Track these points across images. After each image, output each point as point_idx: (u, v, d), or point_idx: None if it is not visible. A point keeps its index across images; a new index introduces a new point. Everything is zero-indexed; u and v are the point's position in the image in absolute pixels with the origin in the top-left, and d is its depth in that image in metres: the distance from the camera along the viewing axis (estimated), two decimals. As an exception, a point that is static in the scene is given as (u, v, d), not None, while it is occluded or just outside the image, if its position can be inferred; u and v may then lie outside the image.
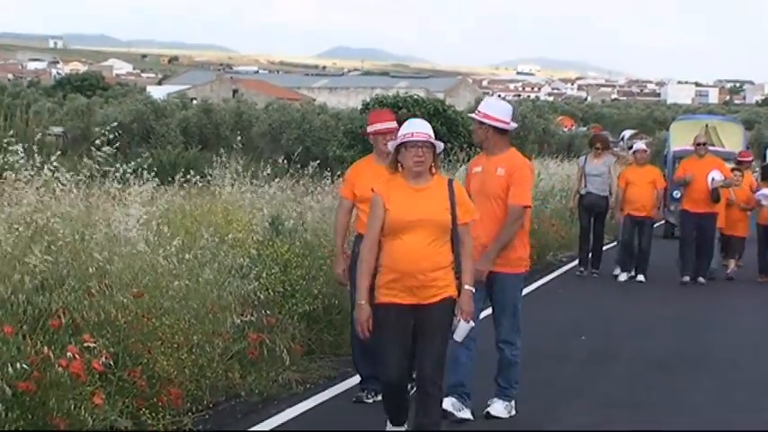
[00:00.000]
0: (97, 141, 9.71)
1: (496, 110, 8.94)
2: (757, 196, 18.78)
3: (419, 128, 7.24)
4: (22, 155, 8.69)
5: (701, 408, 9.95)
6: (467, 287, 7.24)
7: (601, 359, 12.02)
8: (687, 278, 18.21)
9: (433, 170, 7.30)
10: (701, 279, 18.36)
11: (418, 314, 7.17)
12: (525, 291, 16.72)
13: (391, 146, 7.50)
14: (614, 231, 21.40)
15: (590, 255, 19.26)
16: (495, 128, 8.83)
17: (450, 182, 7.36)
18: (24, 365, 7.01)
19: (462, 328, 7.25)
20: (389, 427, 7.57)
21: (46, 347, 7.26)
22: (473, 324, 7.39)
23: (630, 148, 21.06)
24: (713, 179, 17.68)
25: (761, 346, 13.58)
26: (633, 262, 18.86)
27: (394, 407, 7.45)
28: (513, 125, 9.12)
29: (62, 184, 8.87)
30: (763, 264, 19.27)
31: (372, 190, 7.57)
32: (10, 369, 6.90)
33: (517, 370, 9.05)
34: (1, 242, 7.98)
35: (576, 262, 19.83)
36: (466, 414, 8.73)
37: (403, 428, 7.55)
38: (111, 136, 9.52)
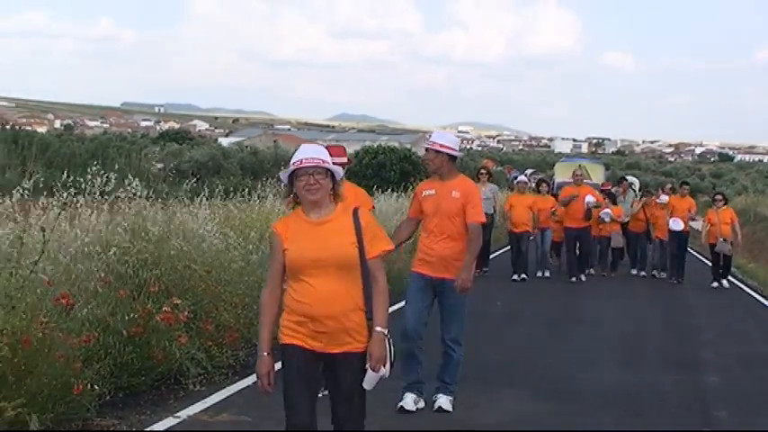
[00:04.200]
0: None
1: (449, 140, 7.00)
2: (600, 215, 17.00)
3: (309, 153, 4.29)
4: (136, 181, 8.63)
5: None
6: (378, 329, 4.27)
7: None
8: (574, 278, 16.28)
9: (335, 199, 4.37)
10: (582, 277, 16.44)
11: (326, 363, 4.33)
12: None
13: (283, 177, 4.39)
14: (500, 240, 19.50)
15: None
16: (449, 155, 6.89)
17: (356, 211, 4.38)
18: (135, 316, 7.02)
19: (372, 377, 4.28)
20: None
21: (149, 304, 7.26)
22: (384, 372, 4.31)
23: (527, 181, 18.22)
24: (588, 201, 16.20)
25: (620, 313, 13.47)
26: (521, 265, 16.35)
27: None
28: (461, 153, 7.54)
29: (154, 200, 8.83)
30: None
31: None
32: (126, 318, 6.92)
33: (459, 368, 6.99)
34: (116, 238, 7.94)
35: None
36: (421, 404, 6.92)
37: None
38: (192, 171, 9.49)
